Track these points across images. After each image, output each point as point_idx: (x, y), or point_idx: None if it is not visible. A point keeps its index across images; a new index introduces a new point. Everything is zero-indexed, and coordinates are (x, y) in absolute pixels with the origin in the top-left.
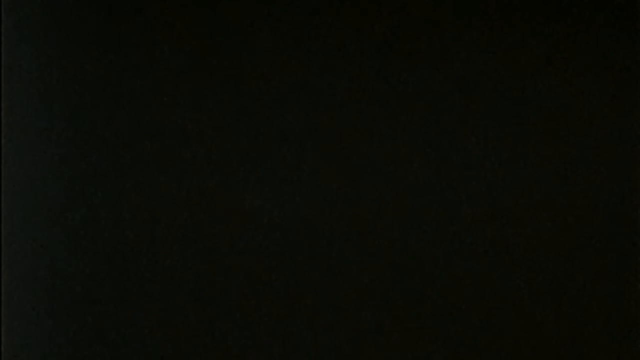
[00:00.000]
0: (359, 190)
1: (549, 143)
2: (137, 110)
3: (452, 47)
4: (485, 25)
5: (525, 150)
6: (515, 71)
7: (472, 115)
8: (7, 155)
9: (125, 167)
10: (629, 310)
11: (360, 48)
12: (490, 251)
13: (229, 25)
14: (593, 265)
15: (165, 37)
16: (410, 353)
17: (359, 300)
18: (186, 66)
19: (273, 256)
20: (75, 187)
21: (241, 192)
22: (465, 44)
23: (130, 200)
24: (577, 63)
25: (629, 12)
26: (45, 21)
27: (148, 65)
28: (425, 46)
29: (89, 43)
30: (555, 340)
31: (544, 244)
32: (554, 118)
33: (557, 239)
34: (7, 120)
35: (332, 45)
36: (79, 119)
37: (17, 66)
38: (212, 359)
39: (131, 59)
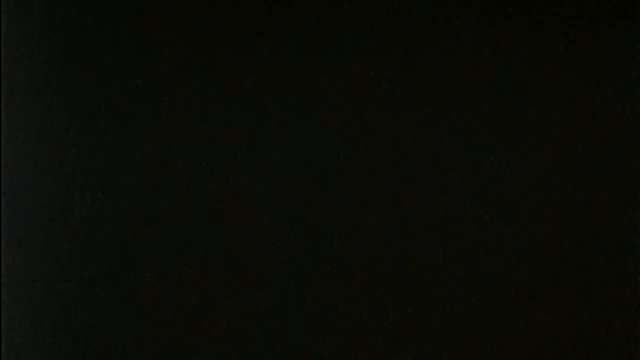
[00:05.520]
0: (358, 191)
1: (549, 143)
2: (138, 110)
3: (452, 47)
4: (485, 24)
5: (525, 150)
6: (515, 71)
7: (472, 115)
8: (7, 155)
9: (126, 167)
10: (629, 310)
11: (360, 48)
12: (490, 252)
13: (230, 25)
14: (593, 266)
15: (166, 37)
16: (410, 353)
17: (358, 301)
18: (187, 66)
19: (273, 256)
20: (75, 187)
21: (241, 192)
22: (465, 44)
23: (130, 201)
24: (577, 63)
25: (629, 12)
26: (45, 21)
27: (148, 65)
28: (425, 46)
29: (88, 43)
30: (555, 340)
31: (544, 244)
32: (553, 118)
33: (557, 238)
34: (7, 120)
35: (332, 46)
36: (79, 119)
37: (17, 66)
38: (212, 359)
39: (131, 59)
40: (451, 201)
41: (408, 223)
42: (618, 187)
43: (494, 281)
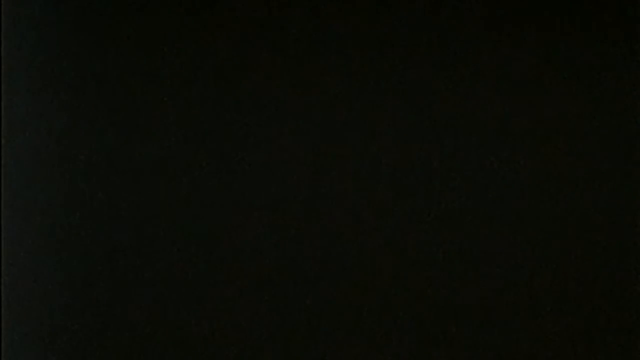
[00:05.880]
0: (358, 191)
1: (549, 143)
2: (138, 110)
3: (452, 47)
4: (485, 24)
5: (525, 150)
6: (515, 71)
7: (472, 115)
8: (7, 155)
9: (126, 167)
10: (629, 310)
11: (360, 48)
12: (490, 251)
13: (230, 25)
14: (593, 266)
15: (166, 38)
16: (409, 354)
17: (358, 301)
18: (186, 66)
19: (272, 257)
20: (75, 187)
21: (241, 192)
22: (465, 44)
23: (131, 201)
24: (577, 63)
25: (629, 12)
26: (45, 21)
27: (148, 66)
28: (425, 46)
29: (88, 43)
30: (555, 340)
31: (544, 244)
32: (553, 118)
33: (557, 238)
34: (7, 120)
35: (332, 45)
36: (79, 119)
37: (17, 66)
38: (212, 359)
39: (131, 59)
40: (451, 201)
41: (408, 223)
42: (618, 187)
43: (494, 281)
